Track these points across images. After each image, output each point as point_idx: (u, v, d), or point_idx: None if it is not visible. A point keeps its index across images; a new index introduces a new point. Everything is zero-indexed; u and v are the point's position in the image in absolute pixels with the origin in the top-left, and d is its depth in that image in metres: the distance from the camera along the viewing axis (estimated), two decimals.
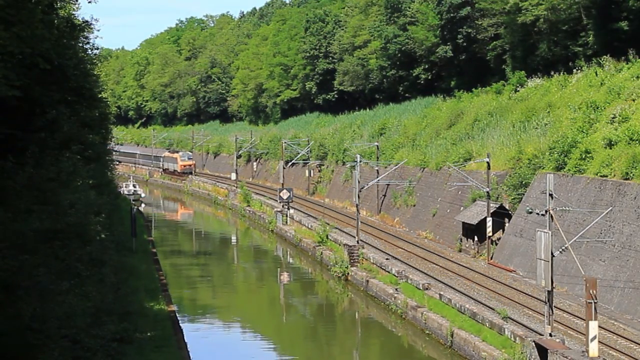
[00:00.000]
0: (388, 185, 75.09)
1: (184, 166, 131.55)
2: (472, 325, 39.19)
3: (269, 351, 45.69)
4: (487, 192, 54.51)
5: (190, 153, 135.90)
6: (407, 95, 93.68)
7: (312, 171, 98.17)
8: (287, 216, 78.95)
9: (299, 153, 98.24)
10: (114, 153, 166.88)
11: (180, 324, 40.03)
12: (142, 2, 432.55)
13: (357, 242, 59.14)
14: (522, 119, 62.64)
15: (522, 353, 34.15)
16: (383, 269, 53.31)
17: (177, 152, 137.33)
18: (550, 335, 33.86)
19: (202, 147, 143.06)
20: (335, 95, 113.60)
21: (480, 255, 55.86)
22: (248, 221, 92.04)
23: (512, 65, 73.22)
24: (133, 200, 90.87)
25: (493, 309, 40.58)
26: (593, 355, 31.06)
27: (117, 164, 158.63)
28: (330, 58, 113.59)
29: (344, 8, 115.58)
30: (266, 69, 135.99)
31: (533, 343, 33.75)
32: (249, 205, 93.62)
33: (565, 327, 37.76)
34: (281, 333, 50.09)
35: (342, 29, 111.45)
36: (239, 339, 47.71)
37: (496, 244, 54.99)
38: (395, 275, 50.53)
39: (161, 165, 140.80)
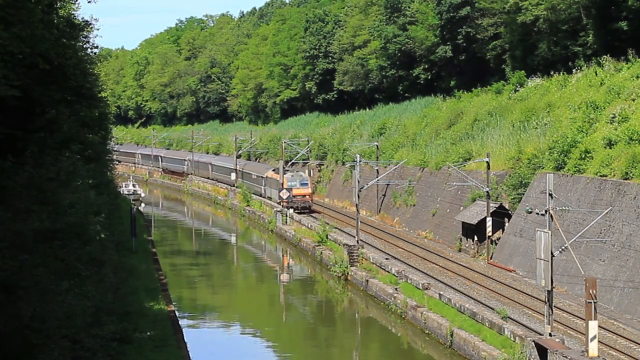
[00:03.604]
0: (388, 185, 75.07)
1: (295, 197, 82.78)
2: (472, 325, 39.19)
3: (268, 351, 45.71)
4: (487, 192, 54.52)
5: (304, 175, 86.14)
6: (407, 95, 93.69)
7: (312, 171, 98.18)
8: (286, 216, 78.95)
9: (298, 153, 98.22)
10: (187, 163, 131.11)
11: (180, 324, 40.03)
12: (142, 2, 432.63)
13: (357, 242, 59.13)
14: (522, 118, 62.67)
15: (521, 353, 34.15)
16: (383, 268, 53.30)
17: (286, 172, 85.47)
18: (550, 335, 33.87)
19: (202, 147, 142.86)
20: (335, 95, 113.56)
21: (480, 255, 55.87)
22: (248, 221, 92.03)
23: (512, 65, 73.23)
24: (133, 200, 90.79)
25: (493, 309, 40.61)
26: (593, 355, 31.07)
27: (190, 177, 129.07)
28: (330, 58, 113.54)
29: (343, 8, 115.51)
30: (266, 68, 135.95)
31: (533, 343, 33.76)
32: (248, 205, 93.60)
33: (565, 327, 37.80)
34: (281, 333, 50.10)
35: (342, 29, 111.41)
36: (239, 339, 47.72)
37: (496, 244, 55.00)
38: (395, 275, 50.53)
39: (263, 192, 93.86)
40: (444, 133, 74.03)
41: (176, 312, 42.64)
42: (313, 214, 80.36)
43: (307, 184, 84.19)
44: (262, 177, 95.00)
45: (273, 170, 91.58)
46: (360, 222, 61.91)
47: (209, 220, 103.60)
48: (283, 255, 67.24)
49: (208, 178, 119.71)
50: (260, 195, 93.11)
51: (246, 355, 44.06)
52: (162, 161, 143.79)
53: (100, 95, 47.57)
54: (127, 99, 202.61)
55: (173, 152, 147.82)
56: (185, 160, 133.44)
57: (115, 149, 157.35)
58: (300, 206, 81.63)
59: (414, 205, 70.77)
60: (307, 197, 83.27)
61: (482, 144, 64.78)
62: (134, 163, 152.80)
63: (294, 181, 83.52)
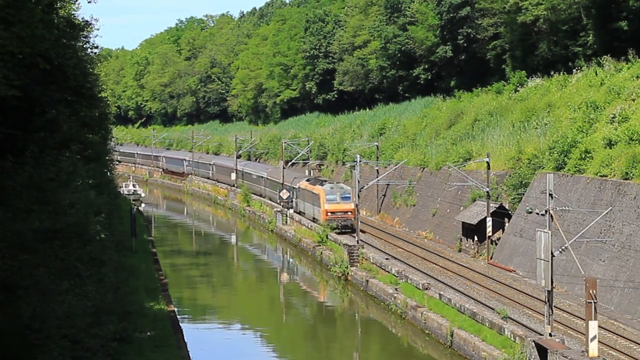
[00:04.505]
0: (388, 185, 75.07)
1: (332, 213, 68.24)
2: (472, 325, 39.20)
3: (269, 351, 45.72)
4: (487, 192, 54.50)
5: (346, 187, 71.31)
6: (407, 95, 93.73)
7: (312, 171, 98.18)
8: (286, 216, 78.95)
9: (298, 153, 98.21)
10: (213, 168, 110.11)
11: (180, 324, 40.03)
12: (142, 2, 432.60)
13: (357, 242, 59.12)
14: (522, 119, 62.67)
15: (522, 353, 34.15)
16: (383, 268, 53.30)
17: (322, 183, 73.29)
18: (550, 335, 33.87)
19: (202, 147, 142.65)
20: (335, 95, 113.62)
21: (480, 255, 55.85)
22: (248, 221, 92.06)
23: (512, 65, 73.24)
24: (133, 200, 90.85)
25: (493, 309, 40.59)
26: (593, 355, 31.06)
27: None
28: (330, 58, 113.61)
29: (344, 8, 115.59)
30: (266, 69, 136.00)
31: (533, 343, 33.75)
32: (248, 205, 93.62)
33: (565, 327, 37.78)
34: (281, 333, 50.11)
35: (342, 29, 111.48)
36: (239, 339, 47.74)
37: (496, 244, 54.99)
38: (395, 275, 50.53)
39: (295, 206, 79.73)
40: (444, 133, 74.04)
41: (176, 312, 42.64)
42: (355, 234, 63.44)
43: (349, 197, 68.68)
44: (293, 187, 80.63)
45: (307, 181, 77.17)
46: (360, 222, 61.89)
47: (210, 220, 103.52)
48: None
49: (233, 186, 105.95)
50: (289, 209, 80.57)
51: (246, 355, 44.07)
52: (186, 165, 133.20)
53: (100, 95, 47.57)
54: (127, 99, 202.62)
55: (199, 155, 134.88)
56: (210, 164, 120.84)
57: (138, 151, 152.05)
58: (341, 224, 67.07)
59: (414, 205, 70.75)
60: (350, 213, 67.53)
61: (482, 144, 64.78)
62: (158, 166, 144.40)
63: (333, 194, 69.13)
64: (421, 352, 42.46)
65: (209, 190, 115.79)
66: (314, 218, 71.43)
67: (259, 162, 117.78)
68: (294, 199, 79.82)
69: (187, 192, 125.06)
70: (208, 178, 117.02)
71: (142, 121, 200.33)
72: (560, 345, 32.84)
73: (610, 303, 41.10)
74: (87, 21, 35.07)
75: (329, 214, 68.07)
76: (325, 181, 74.20)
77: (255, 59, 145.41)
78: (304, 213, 75.44)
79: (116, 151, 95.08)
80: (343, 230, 65.83)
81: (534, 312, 40.72)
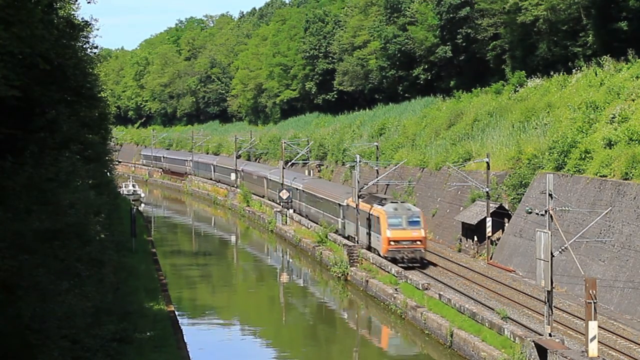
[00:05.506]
0: (388, 185, 75.07)
1: (396, 242, 52.87)
2: (472, 325, 39.20)
3: (268, 351, 45.72)
4: (487, 192, 54.50)
5: (415, 209, 55.58)
6: (406, 95, 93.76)
7: (312, 171, 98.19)
8: (286, 216, 78.96)
9: (298, 153, 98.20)
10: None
11: (180, 324, 40.03)
12: (142, 2, 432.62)
13: (357, 242, 59.09)
14: (522, 119, 62.69)
15: (521, 353, 34.16)
16: (382, 269, 53.27)
17: (382, 201, 57.00)
18: (550, 335, 33.88)
19: (202, 147, 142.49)
20: (335, 96, 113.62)
21: (480, 255, 55.86)
22: (248, 221, 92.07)
23: (512, 66, 73.26)
24: (133, 200, 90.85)
25: (493, 309, 40.62)
26: (593, 355, 31.08)
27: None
28: (330, 58, 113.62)
29: (343, 8, 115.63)
30: (266, 69, 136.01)
31: (533, 343, 33.76)
32: (248, 206, 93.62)
33: (565, 327, 37.80)
34: (281, 333, 50.10)
35: (342, 29, 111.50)
36: (238, 339, 47.73)
37: (496, 244, 55.01)
38: (394, 276, 50.51)
39: (340, 227, 65.03)
40: (444, 133, 74.05)
41: (176, 312, 42.63)
42: (426, 270, 52.29)
43: (418, 222, 53.69)
44: (339, 204, 65.34)
45: (360, 198, 59.33)
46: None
47: (210, 220, 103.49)
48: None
49: (263, 196, 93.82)
50: (336, 231, 65.32)
51: (246, 355, 44.06)
52: (215, 171, 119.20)
53: (100, 95, 47.52)
54: (127, 99, 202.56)
55: (226, 160, 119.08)
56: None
57: (165, 155, 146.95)
58: (408, 257, 52.63)
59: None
60: (420, 242, 53.10)
61: (482, 144, 64.80)
62: (186, 172, 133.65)
63: (398, 217, 53.52)
64: (421, 352, 42.46)
65: (208, 191, 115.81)
66: (369, 247, 56.78)
67: (260, 162, 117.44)
68: (339, 219, 65.35)
69: (186, 192, 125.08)
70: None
71: (142, 121, 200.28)
72: (560, 346, 32.85)
73: (610, 303, 41.11)
74: (86, 21, 35.01)
75: (392, 243, 52.87)
76: (385, 199, 57.86)
77: (255, 59, 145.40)
78: (354, 238, 59.86)
79: (116, 152, 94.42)
80: (410, 265, 52.24)
81: (533, 312, 40.75)
